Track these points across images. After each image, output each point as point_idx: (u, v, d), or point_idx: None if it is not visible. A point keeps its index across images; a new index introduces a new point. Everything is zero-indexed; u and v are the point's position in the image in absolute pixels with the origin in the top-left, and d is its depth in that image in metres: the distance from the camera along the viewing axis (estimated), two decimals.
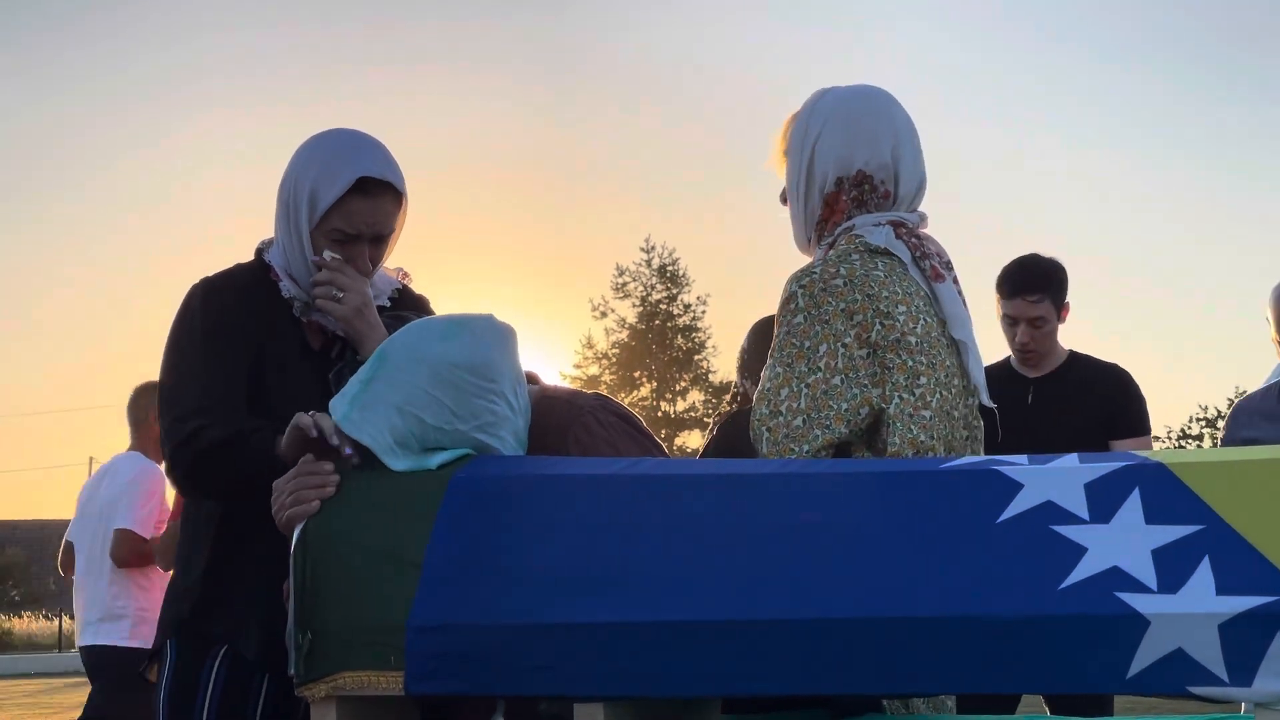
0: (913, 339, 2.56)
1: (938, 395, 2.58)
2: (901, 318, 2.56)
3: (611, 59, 70.74)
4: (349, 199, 2.76)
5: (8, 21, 75.21)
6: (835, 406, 2.53)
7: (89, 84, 75.67)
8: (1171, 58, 64.06)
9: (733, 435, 2.62)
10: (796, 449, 2.52)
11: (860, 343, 2.55)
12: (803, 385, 2.54)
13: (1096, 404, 4.74)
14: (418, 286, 3.05)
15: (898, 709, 2.53)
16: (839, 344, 2.54)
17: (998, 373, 4.66)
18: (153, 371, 2.89)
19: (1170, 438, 36.44)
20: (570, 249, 70.40)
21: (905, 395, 2.55)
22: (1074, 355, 4.88)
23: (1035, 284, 4.71)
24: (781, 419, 2.54)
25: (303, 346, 2.85)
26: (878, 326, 2.55)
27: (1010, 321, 4.76)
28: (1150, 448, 4.70)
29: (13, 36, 76.35)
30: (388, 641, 2.22)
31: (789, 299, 2.60)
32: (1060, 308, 4.78)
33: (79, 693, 22.68)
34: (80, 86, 75.72)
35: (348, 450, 2.35)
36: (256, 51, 68.47)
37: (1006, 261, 4.80)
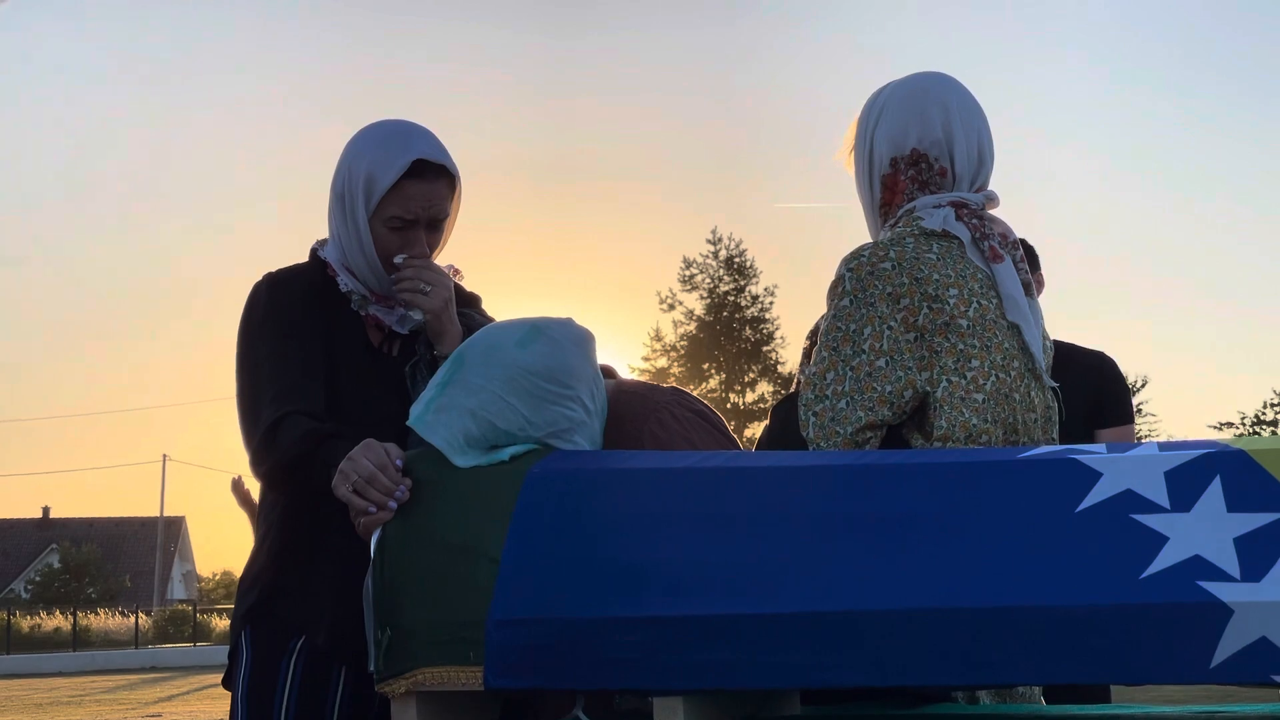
0: (964, 322, 2.53)
1: (993, 378, 2.55)
2: (952, 300, 2.54)
3: (673, 54, 70.74)
4: (404, 183, 2.77)
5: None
6: (878, 388, 2.51)
7: (205, 92, 76.51)
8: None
9: (788, 419, 2.60)
10: (841, 430, 2.51)
11: (907, 326, 2.53)
12: (847, 368, 2.53)
13: (1079, 392, 4.50)
14: (488, 281, 3.05)
15: (967, 698, 2.51)
16: (884, 326, 2.52)
17: None
18: (226, 370, 2.88)
19: (1244, 424, 36.02)
20: (638, 243, 70.53)
21: (954, 379, 2.52)
22: (1056, 344, 4.78)
23: None
24: (827, 403, 2.53)
25: (365, 342, 2.85)
26: (925, 310, 2.53)
27: None
28: (1133, 437, 4.57)
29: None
30: (467, 636, 2.23)
31: (837, 282, 2.59)
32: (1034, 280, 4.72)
33: (156, 689, 22.96)
34: (196, 94, 76.60)
35: (400, 490, 2.37)
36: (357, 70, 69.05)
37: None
